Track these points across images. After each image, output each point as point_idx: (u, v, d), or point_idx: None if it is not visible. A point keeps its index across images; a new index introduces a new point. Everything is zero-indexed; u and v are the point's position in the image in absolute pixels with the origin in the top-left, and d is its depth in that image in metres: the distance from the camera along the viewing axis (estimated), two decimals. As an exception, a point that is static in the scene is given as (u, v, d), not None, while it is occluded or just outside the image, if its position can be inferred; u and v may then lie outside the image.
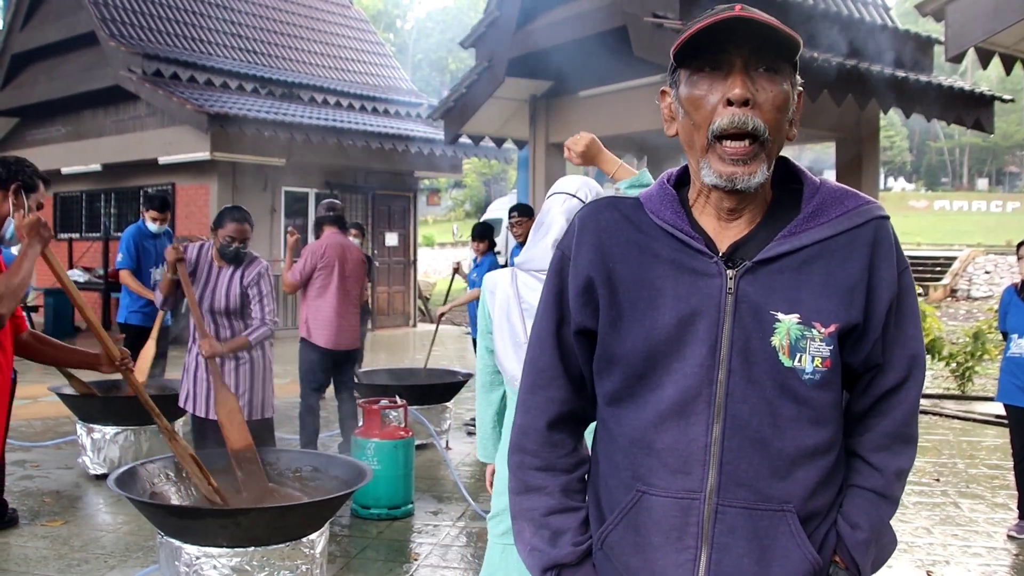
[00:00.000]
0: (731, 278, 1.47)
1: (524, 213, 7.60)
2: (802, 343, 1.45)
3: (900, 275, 1.52)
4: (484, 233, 8.34)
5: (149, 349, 6.28)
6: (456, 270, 8.63)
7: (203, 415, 4.85)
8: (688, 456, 1.46)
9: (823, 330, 1.45)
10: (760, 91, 1.44)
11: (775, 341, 1.45)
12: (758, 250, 1.49)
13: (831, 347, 1.46)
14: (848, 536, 1.52)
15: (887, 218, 1.53)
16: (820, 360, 1.45)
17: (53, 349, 3.68)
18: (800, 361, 1.45)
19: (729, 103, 1.43)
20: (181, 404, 5.01)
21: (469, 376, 8.10)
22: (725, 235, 1.52)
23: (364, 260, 6.88)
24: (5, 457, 5.30)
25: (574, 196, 2.91)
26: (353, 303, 6.68)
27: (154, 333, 6.37)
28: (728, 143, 1.44)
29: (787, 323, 1.45)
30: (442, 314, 8.40)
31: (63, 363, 3.79)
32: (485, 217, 24.54)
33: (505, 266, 8.28)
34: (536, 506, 1.61)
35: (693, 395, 1.46)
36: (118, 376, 4.08)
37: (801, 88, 1.54)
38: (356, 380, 7.49)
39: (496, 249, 8.63)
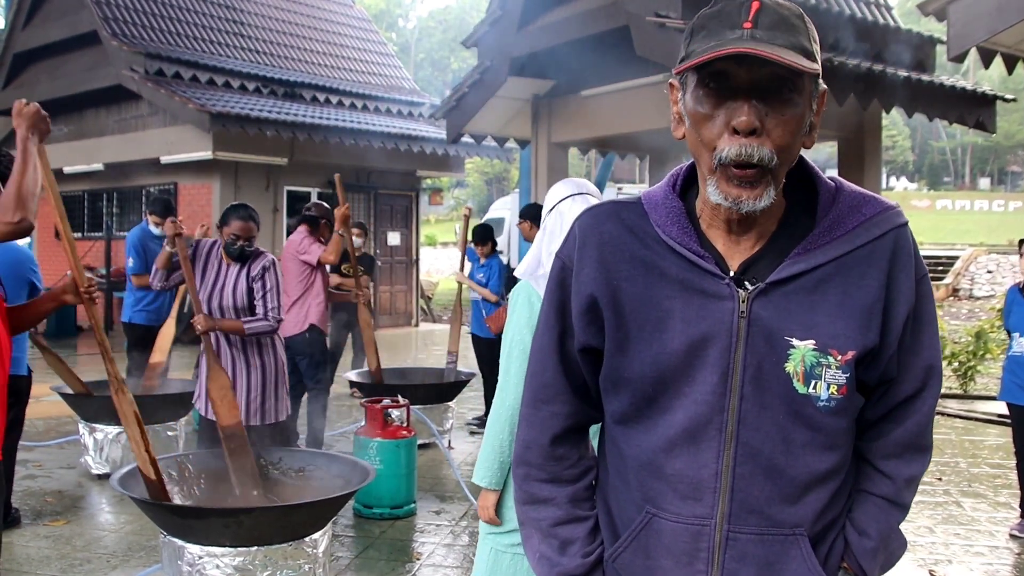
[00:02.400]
0: (743, 300, 1.41)
1: (530, 216, 7.50)
2: (817, 370, 1.39)
3: (918, 283, 1.46)
4: (486, 235, 8.30)
5: (169, 329, 6.30)
6: (467, 216, 8.33)
7: (214, 417, 4.82)
8: (698, 482, 1.42)
9: (840, 358, 1.39)
10: (770, 115, 1.34)
11: (789, 367, 1.39)
12: (771, 268, 1.42)
13: (847, 374, 1.40)
14: (856, 544, 1.49)
15: (906, 224, 1.47)
16: (836, 387, 1.40)
17: (18, 313, 3.29)
18: (815, 388, 1.40)
19: (735, 131, 1.34)
20: (194, 402, 5.01)
21: (472, 375, 8.10)
22: (736, 252, 1.45)
23: (296, 257, 6.88)
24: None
25: (590, 194, 2.88)
26: (291, 299, 6.72)
27: (173, 313, 6.39)
28: (734, 168, 1.36)
29: (802, 349, 1.39)
30: (461, 284, 8.29)
31: (35, 317, 3.44)
32: (487, 217, 24.52)
33: (509, 265, 8.27)
34: (544, 516, 1.59)
35: (704, 422, 1.42)
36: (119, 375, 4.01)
37: (823, 88, 1.44)
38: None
39: (498, 249, 8.60)
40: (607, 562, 1.55)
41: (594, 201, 2.83)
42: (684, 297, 1.43)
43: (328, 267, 7.31)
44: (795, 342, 1.39)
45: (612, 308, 1.47)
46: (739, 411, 1.40)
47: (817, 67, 1.34)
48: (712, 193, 1.40)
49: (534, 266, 2.82)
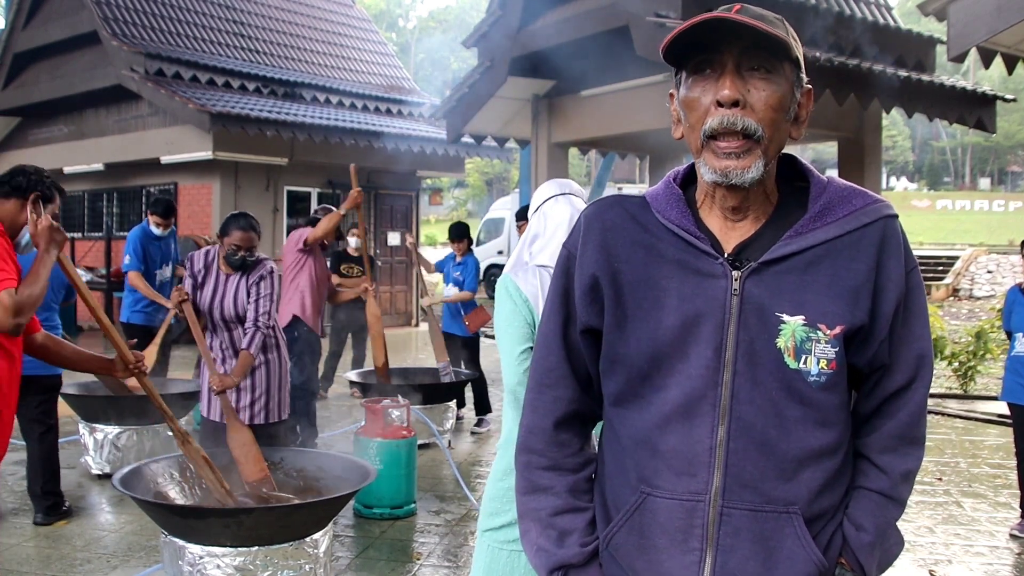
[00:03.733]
0: (736, 279, 1.46)
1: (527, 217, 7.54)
2: (807, 345, 1.44)
3: (908, 274, 1.50)
4: (462, 233, 8.32)
5: (151, 352, 6.27)
6: (415, 246, 8.53)
7: (215, 418, 4.80)
8: (693, 458, 1.46)
9: (828, 332, 1.44)
10: (752, 91, 1.43)
11: (780, 343, 1.44)
12: (764, 250, 1.48)
13: (836, 349, 1.45)
14: (853, 538, 1.51)
15: (895, 216, 1.52)
16: (825, 362, 1.44)
17: (68, 352, 3.62)
18: (805, 363, 1.44)
19: (719, 104, 1.43)
20: (200, 401, 5.00)
21: (473, 375, 8.09)
22: (731, 235, 1.51)
23: (292, 250, 7.01)
24: (5, 456, 5.33)
25: (574, 194, 2.92)
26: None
27: (158, 339, 6.37)
28: (720, 140, 1.44)
29: (792, 325, 1.44)
30: (429, 307, 8.32)
31: (78, 367, 3.76)
32: (487, 217, 24.54)
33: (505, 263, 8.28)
34: (543, 506, 1.61)
35: (698, 397, 1.46)
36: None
37: (808, 86, 1.52)
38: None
39: (499, 250, 8.62)
40: (601, 547, 1.57)
41: (577, 201, 2.92)
42: (680, 276, 1.49)
43: (327, 264, 7.35)
44: (785, 318, 1.45)
45: (612, 287, 1.53)
46: (732, 386, 1.45)
47: (792, 44, 1.44)
48: (705, 172, 1.48)
49: (518, 264, 2.86)
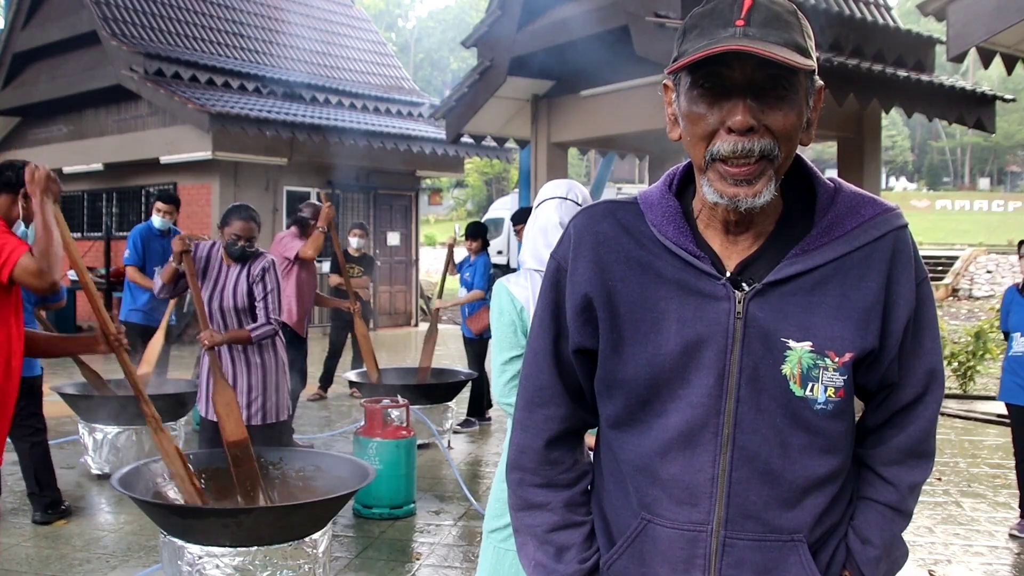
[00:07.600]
0: (740, 301, 1.37)
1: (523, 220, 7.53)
2: (814, 372, 1.36)
3: (918, 286, 1.42)
4: (478, 232, 8.32)
5: (158, 340, 6.30)
6: (451, 247, 8.49)
7: (214, 418, 4.80)
8: (694, 488, 1.39)
9: (837, 359, 1.36)
10: (767, 113, 1.31)
11: (786, 369, 1.36)
12: (768, 269, 1.39)
13: (845, 376, 1.38)
14: (859, 552, 1.46)
15: (905, 226, 1.43)
16: (833, 390, 1.37)
17: (47, 342, 3.57)
18: (812, 391, 1.37)
19: (731, 130, 1.31)
20: (197, 401, 5.00)
21: (472, 375, 8.09)
22: (733, 252, 1.42)
23: (279, 254, 7.07)
24: (2, 457, 5.33)
25: (566, 199, 2.90)
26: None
27: (163, 325, 6.41)
28: (731, 165, 1.33)
29: (799, 351, 1.36)
30: (438, 309, 8.34)
31: (60, 353, 3.71)
32: (487, 217, 24.56)
33: (507, 266, 8.27)
34: (539, 523, 1.56)
35: (699, 425, 1.39)
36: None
37: (822, 84, 1.41)
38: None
39: (498, 250, 8.61)
40: (602, 569, 1.52)
41: (567, 206, 2.86)
42: (680, 298, 1.40)
43: (319, 266, 7.38)
44: (792, 344, 1.36)
45: (607, 309, 1.44)
46: (735, 414, 1.38)
47: (811, 63, 1.32)
48: (708, 192, 1.37)
49: (518, 268, 2.87)
